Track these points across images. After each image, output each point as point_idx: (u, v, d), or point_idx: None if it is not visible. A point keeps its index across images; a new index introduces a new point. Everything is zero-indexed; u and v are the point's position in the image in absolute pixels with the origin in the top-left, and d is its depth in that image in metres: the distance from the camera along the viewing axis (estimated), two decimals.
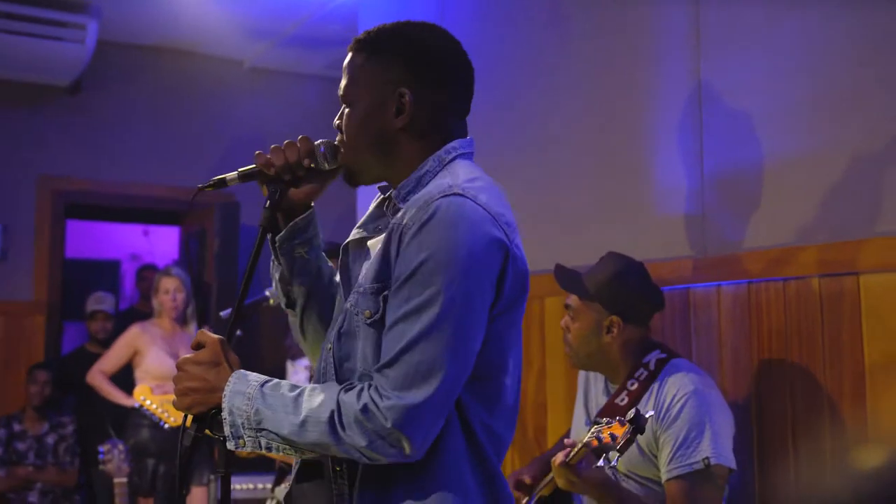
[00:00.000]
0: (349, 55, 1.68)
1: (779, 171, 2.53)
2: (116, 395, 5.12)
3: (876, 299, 2.22)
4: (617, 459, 1.95)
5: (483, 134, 3.63)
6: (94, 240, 9.08)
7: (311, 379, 1.85)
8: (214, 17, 5.53)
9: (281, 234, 1.71)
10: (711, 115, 2.75)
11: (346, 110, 1.66)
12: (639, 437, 2.29)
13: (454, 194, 1.50)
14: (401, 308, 1.47)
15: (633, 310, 2.48)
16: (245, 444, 1.51)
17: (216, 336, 1.58)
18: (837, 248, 2.32)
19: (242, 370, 1.56)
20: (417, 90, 1.62)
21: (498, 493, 1.58)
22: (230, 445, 1.52)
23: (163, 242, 9.21)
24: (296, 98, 6.36)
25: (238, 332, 3.20)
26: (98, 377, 5.15)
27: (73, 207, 6.20)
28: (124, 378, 5.15)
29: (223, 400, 1.52)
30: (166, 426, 3.24)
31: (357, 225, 1.74)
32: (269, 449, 1.52)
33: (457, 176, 1.56)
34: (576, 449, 2.04)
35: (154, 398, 4.41)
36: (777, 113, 2.55)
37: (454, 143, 1.64)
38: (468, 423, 1.54)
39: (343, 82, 1.68)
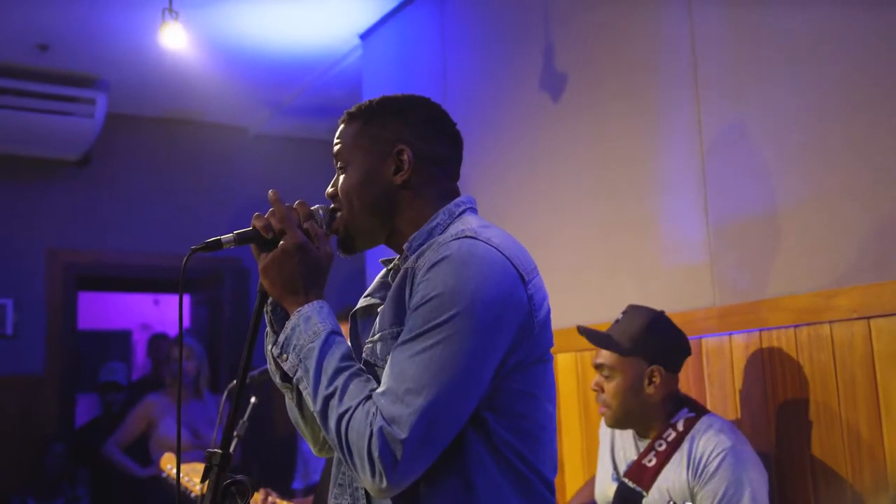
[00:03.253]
0: (342, 126, 1.72)
1: (783, 219, 2.55)
2: (131, 467, 5.10)
3: (887, 343, 2.22)
4: None
5: (489, 191, 3.68)
6: (104, 310, 9.12)
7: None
8: (219, 86, 5.62)
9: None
10: (714, 166, 2.78)
11: (342, 176, 1.69)
12: (671, 492, 2.31)
13: (466, 237, 1.52)
14: (402, 337, 1.49)
15: (670, 358, 2.50)
16: (287, 360, 1.56)
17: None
18: (847, 294, 2.33)
19: (325, 303, 1.60)
20: (416, 146, 1.65)
21: None
22: (274, 351, 1.59)
23: (174, 311, 9.23)
24: (300, 163, 6.42)
25: (253, 399, 3.20)
26: (112, 450, 5.14)
27: (83, 279, 6.23)
28: (139, 449, 5.14)
29: (294, 313, 1.58)
30: (192, 495, 3.23)
31: (364, 294, 1.76)
32: (298, 382, 1.55)
33: (469, 224, 1.59)
34: None
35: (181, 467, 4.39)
36: (777, 162, 2.58)
37: (463, 198, 1.68)
38: (516, 467, 1.53)
39: (337, 149, 1.71)
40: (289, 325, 1.58)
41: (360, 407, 1.46)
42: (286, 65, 5.36)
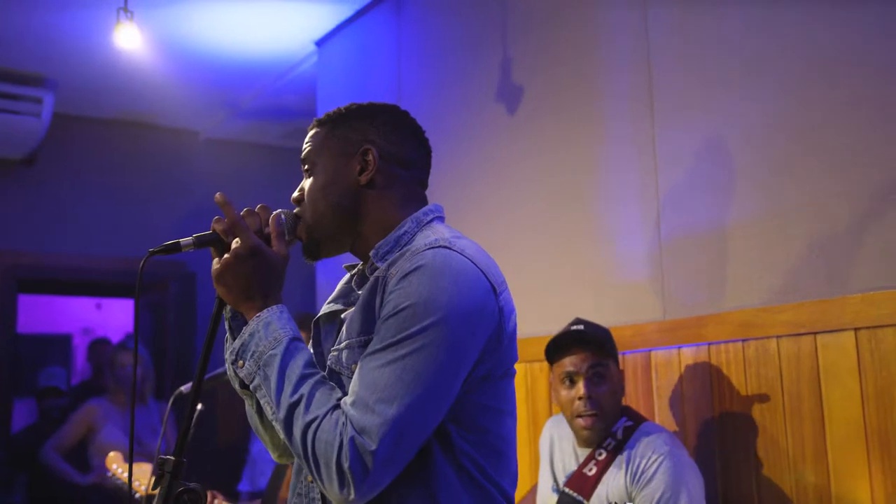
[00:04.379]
0: (310, 132, 1.71)
1: (734, 234, 2.59)
2: (70, 474, 4.99)
3: (833, 359, 2.27)
4: None
5: (441, 200, 3.67)
6: (45, 314, 8.93)
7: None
8: (170, 89, 5.55)
9: None
10: (667, 182, 2.82)
11: (309, 179, 1.67)
12: (609, 496, 2.33)
13: (441, 247, 1.51)
14: (373, 346, 1.46)
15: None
16: (243, 366, 1.53)
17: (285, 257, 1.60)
18: (793, 310, 2.37)
19: (285, 307, 1.57)
20: (381, 146, 1.65)
21: None
22: (229, 358, 1.55)
23: (116, 315, 9.09)
24: (252, 168, 6.36)
25: (200, 407, 3.15)
26: (51, 455, 5.02)
27: (24, 282, 6.09)
28: (77, 456, 5.03)
29: (253, 319, 1.54)
30: (137, 495, 3.18)
31: (327, 301, 1.74)
32: (255, 389, 1.52)
33: (441, 233, 1.57)
34: None
35: (126, 466, 4.30)
36: (730, 176, 2.62)
37: (431, 206, 1.68)
38: (477, 480, 1.52)
39: (305, 153, 1.70)
40: (246, 330, 1.54)
41: (328, 416, 1.43)
42: (240, 69, 5.31)
